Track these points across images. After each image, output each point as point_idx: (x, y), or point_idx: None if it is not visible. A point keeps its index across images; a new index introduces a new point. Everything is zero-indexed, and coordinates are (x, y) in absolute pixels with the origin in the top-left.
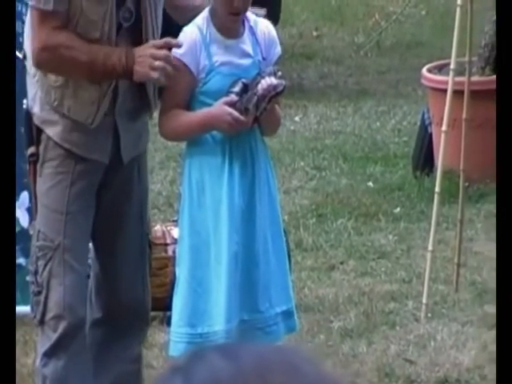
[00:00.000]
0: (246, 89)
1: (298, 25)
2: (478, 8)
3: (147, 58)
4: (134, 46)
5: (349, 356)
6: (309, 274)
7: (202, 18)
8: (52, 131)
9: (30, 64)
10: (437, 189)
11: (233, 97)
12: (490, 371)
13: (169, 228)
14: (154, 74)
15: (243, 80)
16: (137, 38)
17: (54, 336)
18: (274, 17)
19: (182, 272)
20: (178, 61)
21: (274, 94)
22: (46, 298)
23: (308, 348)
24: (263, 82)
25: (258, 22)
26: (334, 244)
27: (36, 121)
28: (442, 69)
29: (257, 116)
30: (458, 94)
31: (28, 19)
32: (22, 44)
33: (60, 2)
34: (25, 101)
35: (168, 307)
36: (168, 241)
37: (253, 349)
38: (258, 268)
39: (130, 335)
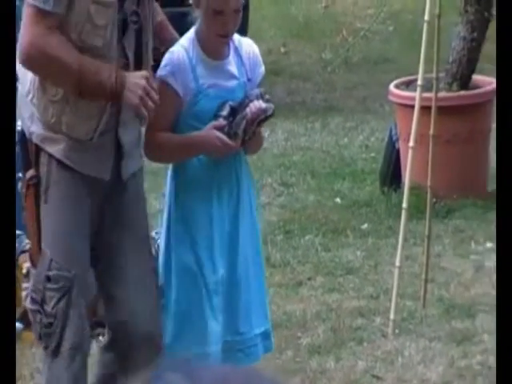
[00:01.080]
0: (233, 112)
1: (266, 41)
2: (446, 24)
3: (139, 89)
4: (137, 49)
5: (317, 372)
6: (276, 290)
7: (187, 39)
8: (54, 149)
9: (22, 84)
10: (404, 204)
11: (221, 121)
12: None
13: None
14: (143, 110)
15: (230, 103)
16: (138, 40)
17: (73, 365)
18: (241, 32)
19: (170, 295)
20: (165, 83)
21: (263, 118)
22: (63, 329)
23: (276, 365)
24: (252, 105)
25: (242, 41)
26: (302, 260)
27: (36, 139)
28: (409, 85)
29: (244, 139)
30: (425, 109)
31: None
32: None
33: (60, 4)
34: (19, 122)
35: None
36: None
37: (215, 370)
38: (240, 291)
39: (140, 364)
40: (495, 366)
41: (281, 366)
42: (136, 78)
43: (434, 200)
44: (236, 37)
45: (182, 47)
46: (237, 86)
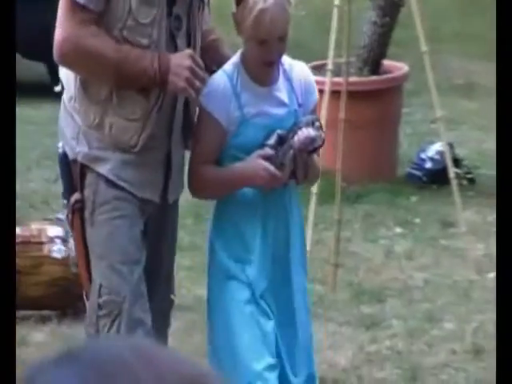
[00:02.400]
0: (281, 141)
1: None
2: (356, 8)
3: (184, 69)
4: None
5: None
6: (186, 273)
7: (231, 64)
8: (102, 168)
9: (67, 90)
10: (314, 189)
11: (268, 150)
12: (367, 372)
13: (45, 227)
14: (190, 91)
15: (278, 131)
16: (188, 43)
17: None
18: None
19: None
20: (206, 111)
21: (311, 149)
22: None
23: (185, 347)
24: (300, 133)
25: (294, 65)
26: None
27: (83, 159)
28: (320, 69)
29: (294, 170)
30: (335, 94)
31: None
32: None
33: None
34: (60, 144)
35: (44, 306)
36: (43, 239)
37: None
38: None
39: None
40: (405, 350)
41: (191, 348)
42: (180, 59)
43: (344, 185)
44: (287, 60)
45: (225, 73)
46: (286, 114)
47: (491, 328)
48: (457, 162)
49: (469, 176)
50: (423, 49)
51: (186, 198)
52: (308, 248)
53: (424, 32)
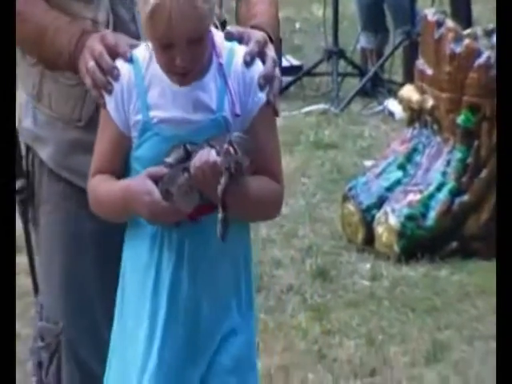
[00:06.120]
0: (189, 158)
1: None
2: None
3: (91, 58)
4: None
5: None
6: None
7: (146, 46)
8: (44, 153)
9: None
10: None
11: (162, 169)
12: None
13: None
14: (87, 80)
15: (188, 146)
16: None
17: None
18: None
19: None
20: (105, 112)
21: (213, 180)
22: None
23: None
24: (198, 156)
25: (236, 54)
26: None
27: (27, 139)
28: None
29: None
30: None
31: None
32: None
33: None
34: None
35: None
36: None
37: None
38: None
39: None
40: None
41: None
42: (93, 41)
43: None
44: (226, 47)
45: (134, 60)
46: (209, 123)
47: None
48: None
49: None
50: None
51: None
52: None
53: None
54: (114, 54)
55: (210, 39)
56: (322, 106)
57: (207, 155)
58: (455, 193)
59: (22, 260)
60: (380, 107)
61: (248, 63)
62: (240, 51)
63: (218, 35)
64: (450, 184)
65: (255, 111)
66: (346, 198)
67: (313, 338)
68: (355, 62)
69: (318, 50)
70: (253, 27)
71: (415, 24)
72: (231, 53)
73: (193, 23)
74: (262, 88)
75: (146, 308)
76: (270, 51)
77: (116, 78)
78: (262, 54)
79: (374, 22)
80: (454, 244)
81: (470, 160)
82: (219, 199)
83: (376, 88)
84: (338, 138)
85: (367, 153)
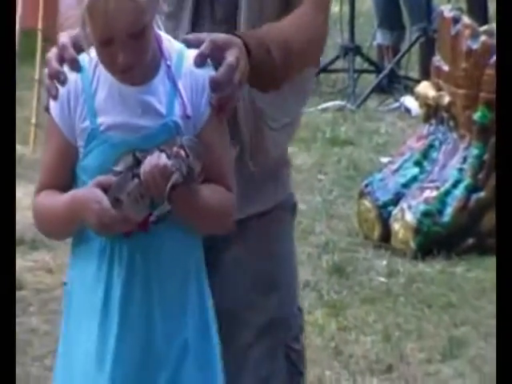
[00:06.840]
0: (138, 166)
1: None
2: None
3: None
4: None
5: None
6: None
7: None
8: None
9: None
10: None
11: (110, 177)
12: None
13: None
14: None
15: (137, 153)
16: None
17: None
18: None
19: None
20: (51, 118)
21: (165, 186)
22: None
23: None
24: (147, 160)
25: (185, 56)
26: None
27: None
28: None
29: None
30: None
31: None
32: None
33: None
34: None
35: None
36: None
37: None
38: None
39: None
40: None
41: None
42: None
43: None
44: (175, 48)
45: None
46: (159, 128)
47: None
48: None
49: None
50: None
51: None
52: None
53: None
54: (61, 58)
55: (156, 40)
56: (338, 103)
57: (157, 159)
58: (471, 189)
59: (42, 257)
60: (396, 104)
61: (198, 64)
62: (191, 53)
63: (166, 38)
64: (467, 180)
65: (207, 114)
66: (362, 195)
67: (329, 334)
68: (371, 59)
69: (334, 46)
70: (235, 34)
71: (431, 21)
72: (181, 54)
73: (132, 16)
74: (213, 91)
75: (95, 327)
76: (231, 56)
77: (62, 82)
78: (218, 58)
79: (390, 18)
80: (471, 240)
81: (486, 156)
82: (166, 193)
83: (392, 84)
84: (355, 134)
85: (383, 149)
